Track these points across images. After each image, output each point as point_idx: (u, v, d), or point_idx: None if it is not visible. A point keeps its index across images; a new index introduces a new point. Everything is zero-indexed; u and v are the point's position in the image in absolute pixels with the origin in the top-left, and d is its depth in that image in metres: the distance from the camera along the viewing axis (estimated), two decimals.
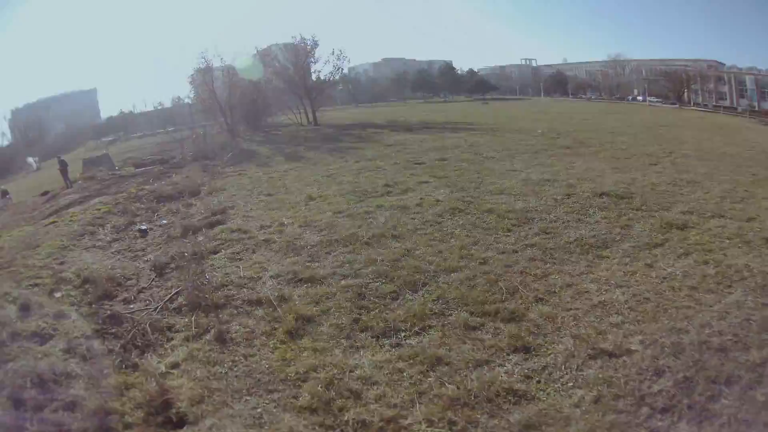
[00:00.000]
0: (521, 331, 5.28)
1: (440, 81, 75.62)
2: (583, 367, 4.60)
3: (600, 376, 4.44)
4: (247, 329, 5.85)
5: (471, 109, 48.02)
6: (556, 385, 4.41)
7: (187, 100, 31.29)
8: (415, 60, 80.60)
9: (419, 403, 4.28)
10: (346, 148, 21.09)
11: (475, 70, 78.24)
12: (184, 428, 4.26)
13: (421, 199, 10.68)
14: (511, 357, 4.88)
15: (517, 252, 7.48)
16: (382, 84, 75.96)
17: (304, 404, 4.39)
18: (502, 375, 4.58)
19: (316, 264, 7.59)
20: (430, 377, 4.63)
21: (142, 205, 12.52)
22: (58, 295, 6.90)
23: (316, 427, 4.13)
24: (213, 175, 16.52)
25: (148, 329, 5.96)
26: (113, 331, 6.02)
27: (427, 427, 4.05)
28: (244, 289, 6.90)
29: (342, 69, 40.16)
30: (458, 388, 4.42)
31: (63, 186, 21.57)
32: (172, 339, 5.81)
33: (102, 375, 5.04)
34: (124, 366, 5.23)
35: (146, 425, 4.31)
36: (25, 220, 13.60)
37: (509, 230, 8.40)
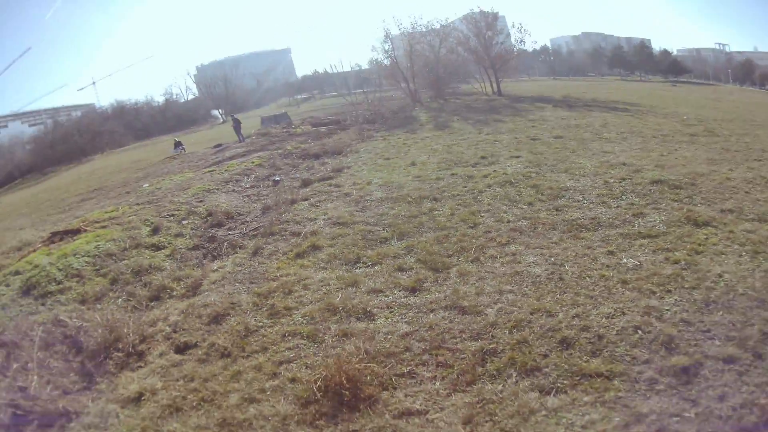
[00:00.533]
0: (433, 277, 6.96)
1: (635, 60, 73.43)
2: (435, 309, 6.13)
3: (440, 321, 5.88)
4: (275, 250, 8.76)
5: (654, 91, 43.30)
6: (408, 312, 6.18)
7: (385, 62, 35.15)
8: (613, 36, 79.70)
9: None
10: (492, 120, 22.16)
11: (672, 51, 74.75)
12: (199, 295, 7.35)
13: (494, 171, 11.93)
14: (409, 292, 6.67)
15: (509, 222, 8.59)
16: (580, 58, 75.25)
17: (261, 291, 7.08)
18: (397, 295, 6.57)
19: (359, 213, 10.07)
20: (358, 289, 6.91)
21: (288, 161, 16.34)
22: (185, 222, 10.84)
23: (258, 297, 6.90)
24: (362, 139, 19.70)
25: (224, 246, 9.38)
26: (207, 246, 9.61)
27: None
28: (297, 225, 9.86)
29: (522, 41, 40.25)
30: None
31: (236, 140, 26.33)
32: (235, 253, 9.06)
33: (181, 269, 8.54)
34: (197, 266, 8.67)
35: (187, 292, 7.58)
36: (189, 168, 18.59)
37: (529, 204, 9.37)
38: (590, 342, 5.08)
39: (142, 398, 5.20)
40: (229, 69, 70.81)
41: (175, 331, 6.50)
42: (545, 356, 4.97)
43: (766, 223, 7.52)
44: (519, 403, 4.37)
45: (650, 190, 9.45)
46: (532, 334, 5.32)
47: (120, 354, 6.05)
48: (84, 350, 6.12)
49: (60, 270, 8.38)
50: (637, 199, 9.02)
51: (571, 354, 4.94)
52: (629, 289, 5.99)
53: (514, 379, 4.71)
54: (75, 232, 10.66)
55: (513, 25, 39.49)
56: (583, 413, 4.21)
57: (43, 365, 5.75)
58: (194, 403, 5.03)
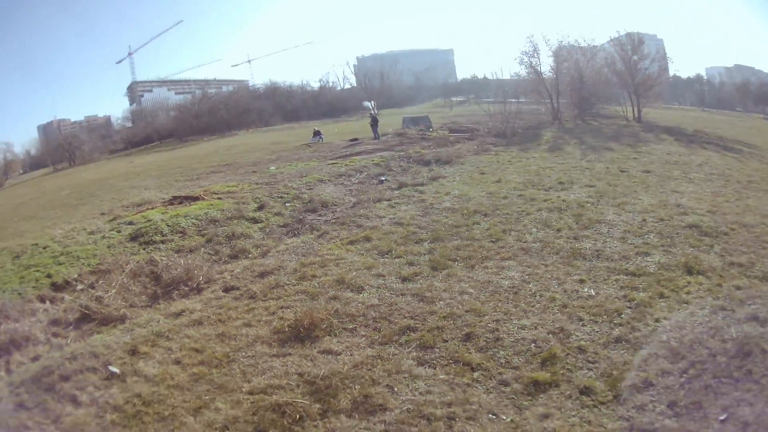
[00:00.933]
0: (428, 273, 8.80)
1: None
2: (405, 294, 8.10)
3: (400, 302, 7.88)
4: (336, 236, 11.31)
5: None
6: (386, 292, 8.14)
7: (530, 76, 35.59)
8: (763, 71, 71.63)
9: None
10: (602, 148, 22.20)
11: None
12: (263, 258, 10.21)
13: (558, 197, 13.06)
14: (401, 280, 8.62)
15: (525, 243, 9.91)
16: (729, 91, 69.15)
17: (305, 262, 9.67)
18: (391, 281, 8.55)
19: (419, 218, 12.08)
20: (369, 271, 9.04)
21: (402, 164, 18.65)
22: (288, 204, 13.91)
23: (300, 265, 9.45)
24: (477, 151, 21.20)
25: (305, 228, 12.20)
26: (293, 226, 12.46)
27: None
28: (366, 220, 12.28)
29: (667, 69, 39.02)
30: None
31: (371, 137, 28.33)
32: (310, 234, 11.76)
33: (263, 240, 11.55)
34: (277, 239, 11.58)
35: (257, 256, 10.51)
36: (317, 158, 21.56)
37: (558, 230, 10.51)
38: (486, 341, 6.56)
39: (182, 314, 8.02)
40: (388, 64, 73.72)
41: (231, 279, 9.40)
42: (445, 341, 6.61)
43: (765, 282, 7.57)
44: (396, 364, 6.16)
45: (678, 233, 9.88)
46: (452, 325, 6.97)
47: (186, 288, 9.02)
48: (160, 282, 9.28)
49: (168, 226, 11.98)
50: (655, 240, 9.59)
51: (465, 345, 6.50)
52: (563, 312, 7.13)
53: (409, 350, 6.48)
54: (194, 198, 14.41)
55: (657, 51, 39.08)
56: (430, 385, 5.80)
57: (124, 286, 9.04)
58: (212, 320, 7.73)
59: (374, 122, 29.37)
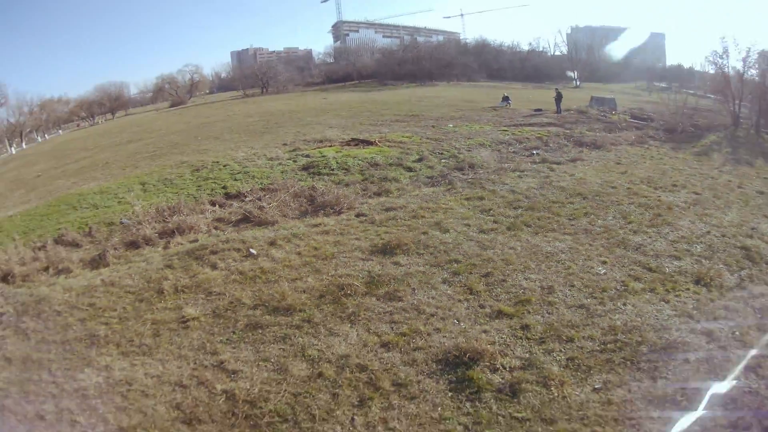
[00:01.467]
0: (494, 227, 11.85)
1: None
2: (461, 243, 11.31)
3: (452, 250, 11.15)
4: (460, 191, 14.61)
5: None
6: (463, 232, 11.48)
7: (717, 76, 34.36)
8: None
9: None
10: (746, 162, 21.46)
11: None
12: (396, 198, 14.31)
13: (657, 196, 14.55)
14: (476, 231, 11.87)
15: (588, 224, 12.31)
16: None
17: (421, 205, 13.47)
18: (462, 230, 11.87)
19: (533, 190, 14.74)
20: (465, 223, 12.55)
21: (560, 141, 20.79)
22: (444, 161, 17.43)
23: (417, 207, 13.32)
24: (633, 142, 22.09)
25: (444, 181, 15.64)
26: (436, 178, 15.95)
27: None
28: (491, 184, 15.26)
29: None
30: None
31: (554, 110, 29.86)
32: (442, 187, 15.22)
33: (406, 186, 15.58)
34: (416, 186, 15.50)
35: (395, 196, 14.62)
36: (493, 123, 23.84)
37: (624, 218, 12.72)
38: (495, 280, 9.44)
39: (318, 225, 12.26)
40: (598, 38, 73.70)
41: (365, 208, 13.40)
42: (470, 273, 9.74)
43: None
44: (429, 279, 9.58)
45: (725, 250, 11.11)
46: (483, 265, 10.04)
47: (330, 210, 13.17)
48: (314, 204, 13.59)
49: (338, 163, 16.36)
50: (698, 249, 10.99)
51: (480, 279, 9.50)
52: (565, 277, 9.58)
53: (444, 272, 9.82)
54: (368, 143, 18.57)
55: None
56: (438, 295, 9.09)
57: (284, 202, 13.48)
58: (336, 232, 11.79)
59: (558, 97, 31.11)
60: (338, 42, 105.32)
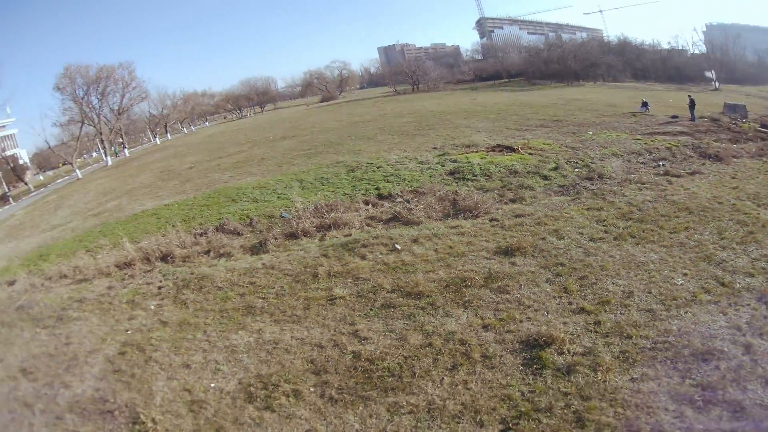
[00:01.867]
0: (608, 240, 13.76)
1: None
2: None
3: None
4: (583, 202, 16.53)
5: None
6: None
7: None
8: None
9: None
10: None
11: None
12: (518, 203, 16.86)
13: (758, 213, 14.91)
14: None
15: (685, 238, 13.44)
16: None
17: (549, 214, 15.90)
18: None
19: (647, 203, 16.04)
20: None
21: (687, 153, 21.12)
22: (576, 170, 18.89)
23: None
24: (754, 155, 21.81)
25: (570, 191, 17.76)
26: (566, 187, 18.07)
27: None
28: (613, 196, 16.97)
29: None
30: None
31: (688, 117, 28.73)
32: (570, 196, 17.37)
33: (538, 195, 18.01)
34: (545, 196, 17.75)
35: (513, 201, 17.21)
36: (629, 131, 24.03)
37: (721, 237, 13.38)
38: (570, 271, 11.58)
39: (455, 227, 14.83)
40: (731, 36, 67.78)
41: (498, 214, 15.59)
42: (563, 265, 11.96)
43: None
44: (533, 276, 11.92)
45: None
46: (576, 265, 12.05)
47: (469, 214, 15.38)
48: (456, 207, 15.94)
49: (481, 170, 18.50)
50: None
51: (562, 277, 11.69)
52: (641, 281, 11.17)
53: (545, 271, 12.15)
54: (511, 149, 20.20)
55: None
56: (528, 285, 11.48)
57: (429, 205, 15.97)
58: (469, 234, 14.44)
59: (692, 104, 30.54)
60: (484, 38, 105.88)
